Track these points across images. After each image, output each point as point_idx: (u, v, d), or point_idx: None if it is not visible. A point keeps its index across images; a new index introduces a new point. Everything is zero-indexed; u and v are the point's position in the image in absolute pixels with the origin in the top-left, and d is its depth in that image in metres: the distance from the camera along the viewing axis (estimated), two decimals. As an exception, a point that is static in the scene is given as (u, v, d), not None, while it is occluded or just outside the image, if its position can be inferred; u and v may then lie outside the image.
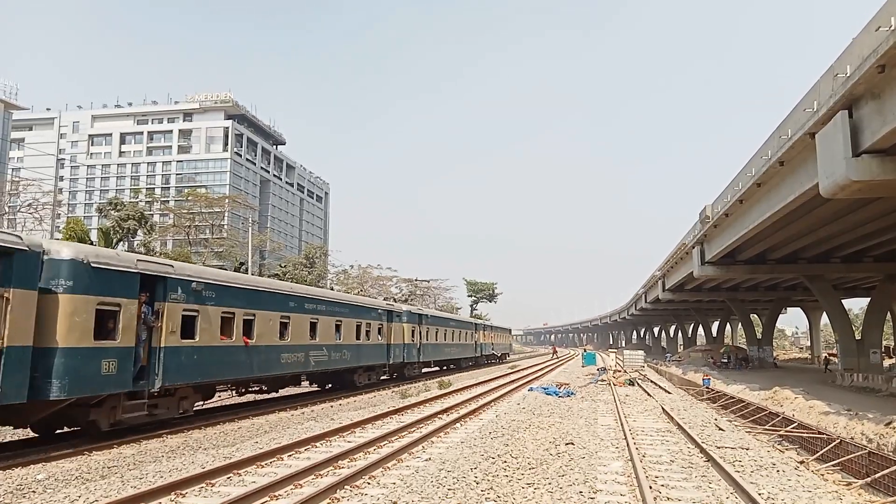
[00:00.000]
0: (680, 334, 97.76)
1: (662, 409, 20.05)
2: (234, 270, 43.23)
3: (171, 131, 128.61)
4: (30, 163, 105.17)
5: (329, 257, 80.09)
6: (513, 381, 31.72)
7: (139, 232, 58.56)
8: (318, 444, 12.76)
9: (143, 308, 13.69)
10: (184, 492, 8.86)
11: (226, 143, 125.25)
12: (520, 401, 21.33)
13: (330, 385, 25.92)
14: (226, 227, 75.53)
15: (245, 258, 54.24)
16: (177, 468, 10.28)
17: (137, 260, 13.96)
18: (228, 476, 9.85)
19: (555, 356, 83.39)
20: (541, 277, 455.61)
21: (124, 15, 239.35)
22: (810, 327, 74.83)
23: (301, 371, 21.08)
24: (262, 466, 10.61)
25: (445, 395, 23.85)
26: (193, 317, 15.32)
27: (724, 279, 45.09)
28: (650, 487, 9.29)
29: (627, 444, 12.72)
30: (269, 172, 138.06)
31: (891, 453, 13.12)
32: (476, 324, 52.09)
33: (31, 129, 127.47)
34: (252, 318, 17.85)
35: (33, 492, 9.19)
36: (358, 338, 25.19)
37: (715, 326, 79.45)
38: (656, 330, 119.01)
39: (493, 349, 56.82)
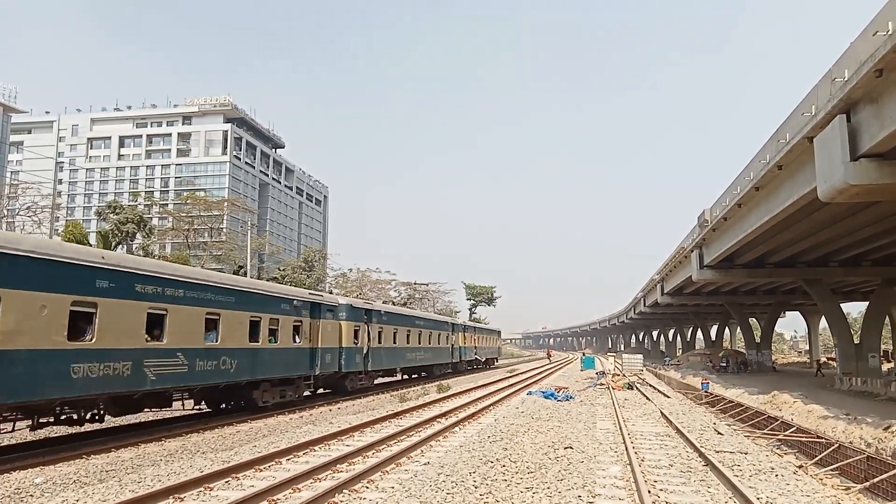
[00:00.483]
0: (679, 338, 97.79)
1: (661, 413, 20.05)
2: (234, 273, 43.17)
3: (170, 134, 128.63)
4: (29, 166, 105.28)
5: (328, 261, 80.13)
6: (511, 385, 31.70)
7: (138, 235, 58.56)
8: (316, 448, 12.74)
9: None
10: (182, 496, 8.84)
11: (225, 147, 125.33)
12: (518, 405, 21.31)
13: (224, 405, 19.37)
14: (225, 230, 75.53)
15: (244, 261, 54.22)
16: (175, 472, 10.26)
17: None
18: (227, 480, 9.84)
19: (549, 360, 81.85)
20: (540, 282, 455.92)
21: (123, 18, 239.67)
22: (809, 331, 74.85)
23: (121, 391, 13.33)
24: (261, 470, 10.59)
25: (444, 398, 23.84)
26: None
27: (722, 283, 45.10)
28: (649, 492, 9.29)
29: (626, 449, 12.71)
30: (268, 176, 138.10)
31: (889, 458, 13.11)
32: (454, 324, 45.13)
33: (30, 132, 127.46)
34: None
35: (31, 496, 9.17)
36: (255, 339, 18.06)
37: (714, 330, 79.50)
38: (655, 334, 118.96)
39: (475, 353, 50.57)
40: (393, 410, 18.95)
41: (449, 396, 24.59)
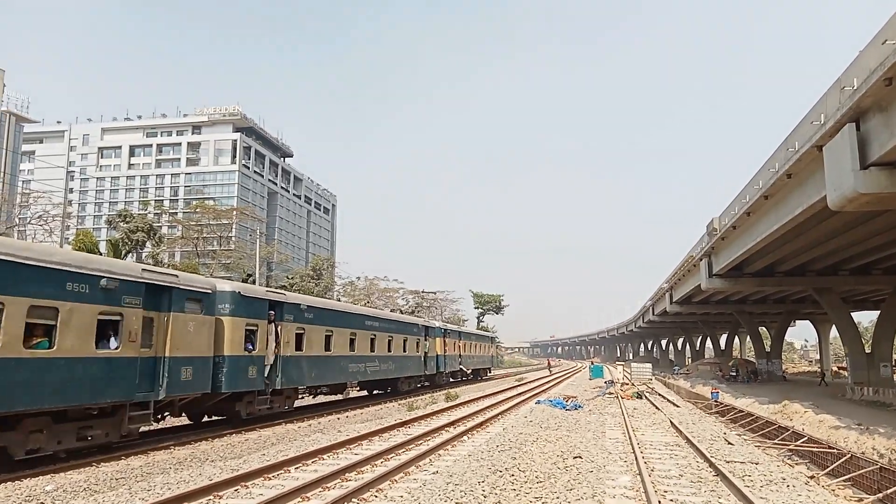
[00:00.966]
0: (688, 347, 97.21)
1: (671, 422, 19.94)
2: (242, 282, 43.35)
3: (179, 144, 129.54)
4: (40, 175, 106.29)
5: (336, 269, 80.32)
6: (519, 395, 31.62)
7: (148, 244, 58.95)
8: (325, 457, 12.75)
9: None
10: (192, 504, 8.88)
11: (234, 156, 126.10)
12: (527, 413, 21.25)
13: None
14: (233, 238, 75.84)
15: (253, 270, 54.43)
16: (184, 480, 10.29)
17: None
18: (236, 488, 9.86)
19: (549, 370, 75.48)
20: (549, 290, 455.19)
21: (134, 30, 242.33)
22: (819, 340, 74.26)
23: None
24: (270, 479, 10.61)
25: (452, 407, 23.82)
26: None
27: (732, 292, 44.90)
28: (659, 502, 9.24)
29: (636, 458, 12.65)
30: (276, 184, 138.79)
31: (902, 468, 12.98)
32: (427, 326, 36.24)
33: (41, 141, 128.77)
34: None
35: (42, 503, 9.22)
36: (48, 343, 11.58)
37: (723, 339, 79.00)
38: (664, 342, 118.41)
39: (460, 363, 42.10)
40: (401, 419, 18.94)
41: (457, 405, 24.57)
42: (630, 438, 15.68)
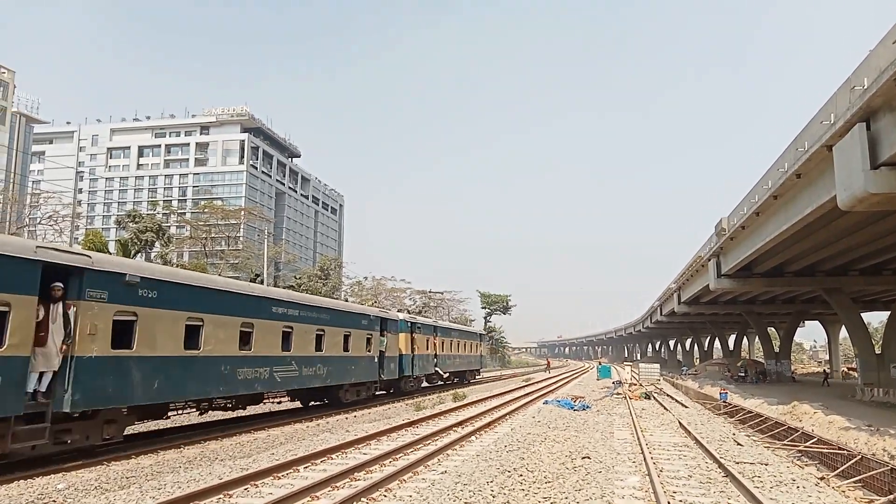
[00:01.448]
0: (696, 347, 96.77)
1: (679, 423, 19.88)
2: (250, 282, 43.48)
3: (188, 144, 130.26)
4: (50, 175, 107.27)
5: (343, 269, 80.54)
6: (527, 395, 31.61)
7: (157, 244, 59.28)
8: (333, 456, 12.79)
9: None
10: (202, 503, 8.93)
11: (242, 156, 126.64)
12: (535, 414, 21.24)
13: None
14: (241, 238, 76.19)
15: (260, 270, 54.64)
16: (194, 479, 10.35)
17: None
18: (245, 487, 9.91)
19: (548, 370, 75.43)
20: (556, 291, 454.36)
21: (142, 31, 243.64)
22: (829, 341, 73.82)
23: None
24: (279, 478, 10.65)
25: (460, 407, 23.85)
26: None
27: (740, 292, 44.68)
28: (668, 503, 9.23)
29: (644, 459, 12.63)
30: (284, 185, 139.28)
31: (913, 470, 12.90)
32: (385, 318, 27.82)
33: (51, 142, 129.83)
34: None
35: (53, 501, 9.29)
36: None
37: (732, 340, 78.65)
38: (672, 343, 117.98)
39: (435, 365, 34.75)
40: (409, 419, 18.97)
41: (465, 405, 24.59)
42: (639, 439, 15.65)
